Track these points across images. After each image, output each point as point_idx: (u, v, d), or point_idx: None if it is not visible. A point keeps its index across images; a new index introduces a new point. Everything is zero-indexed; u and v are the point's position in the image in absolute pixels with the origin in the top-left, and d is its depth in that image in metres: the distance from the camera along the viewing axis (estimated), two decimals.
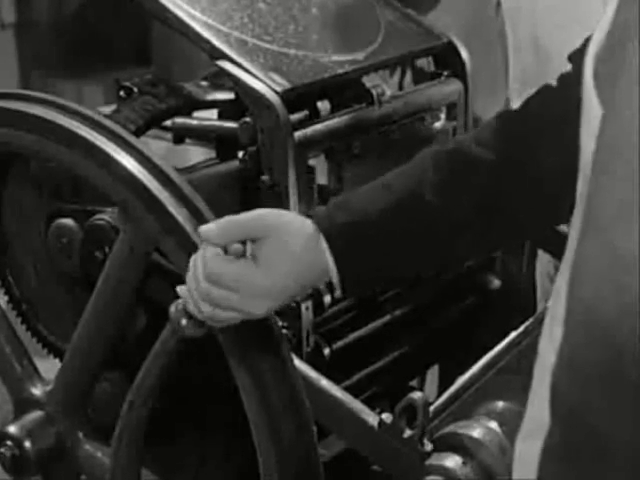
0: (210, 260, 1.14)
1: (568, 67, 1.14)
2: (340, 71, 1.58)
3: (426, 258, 1.21)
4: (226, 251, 1.14)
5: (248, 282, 1.14)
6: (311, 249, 1.14)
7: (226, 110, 1.62)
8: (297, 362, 1.36)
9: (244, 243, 1.15)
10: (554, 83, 1.16)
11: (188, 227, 1.30)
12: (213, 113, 1.65)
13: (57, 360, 1.60)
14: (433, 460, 1.29)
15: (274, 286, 1.15)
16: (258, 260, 1.14)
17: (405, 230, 1.16)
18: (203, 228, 1.17)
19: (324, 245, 1.14)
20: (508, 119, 1.20)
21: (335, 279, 1.15)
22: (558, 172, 1.08)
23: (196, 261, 1.17)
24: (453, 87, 1.77)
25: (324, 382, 1.40)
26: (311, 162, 1.54)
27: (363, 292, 1.59)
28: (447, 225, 1.16)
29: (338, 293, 1.18)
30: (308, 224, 1.15)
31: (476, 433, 1.31)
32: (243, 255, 1.14)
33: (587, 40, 0.90)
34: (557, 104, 1.13)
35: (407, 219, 1.16)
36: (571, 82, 1.05)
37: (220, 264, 1.14)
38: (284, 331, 1.44)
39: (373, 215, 1.15)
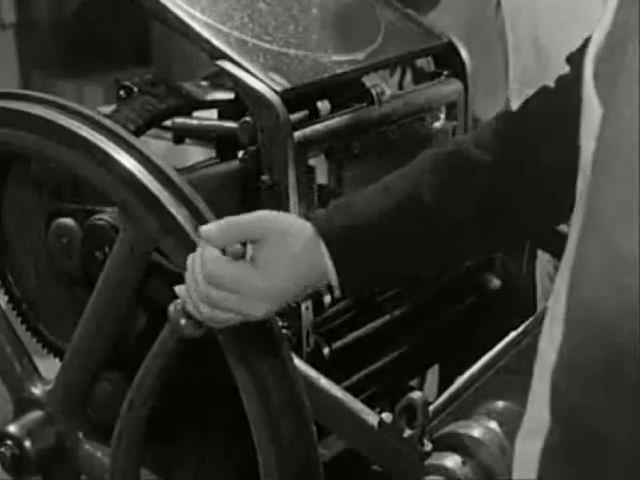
0: (209, 261, 1.14)
1: (568, 67, 1.14)
2: (340, 71, 1.58)
3: (425, 260, 1.21)
4: (224, 252, 1.14)
5: (247, 284, 1.14)
6: (310, 251, 1.14)
7: (226, 110, 1.62)
8: (297, 362, 1.36)
9: (244, 244, 1.15)
10: (552, 85, 1.16)
11: (188, 227, 1.30)
12: (213, 113, 1.65)
13: (57, 360, 1.60)
14: (433, 460, 1.29)
15: (273, 288, 1.14)
16: (257, 262, 1.14)
17: (404, 232, 1.16)
18: (203, 228, 1.16)
19: (323, 248, 1.14)
20: (507, 120, 1.20)
21: (334, 281, 1.15)
22: (557, 173, 1.08)
23: (195, 261, 1.16)
24: (453, 87, 1.77)
25: (324, 382, 1.40)
26: (311, 162, 1.54)
27: (362, 293, 1.59)
28: (445, 227, 1.16)
29: (338, 294, 1.18)
30: (307, 227, 1.15)
31: (476, 433, 1.31)
32: (242, 256, 1.14)
33: (586, 41, 0.90)
34: (555, 105, 1.13)
35: (406, 221, 1.16)
36: (569, 84, 1.05)
37: (220, 265, 1.14)
38: (284, 331, 1.44)
39: (372, 218, 1.15)
